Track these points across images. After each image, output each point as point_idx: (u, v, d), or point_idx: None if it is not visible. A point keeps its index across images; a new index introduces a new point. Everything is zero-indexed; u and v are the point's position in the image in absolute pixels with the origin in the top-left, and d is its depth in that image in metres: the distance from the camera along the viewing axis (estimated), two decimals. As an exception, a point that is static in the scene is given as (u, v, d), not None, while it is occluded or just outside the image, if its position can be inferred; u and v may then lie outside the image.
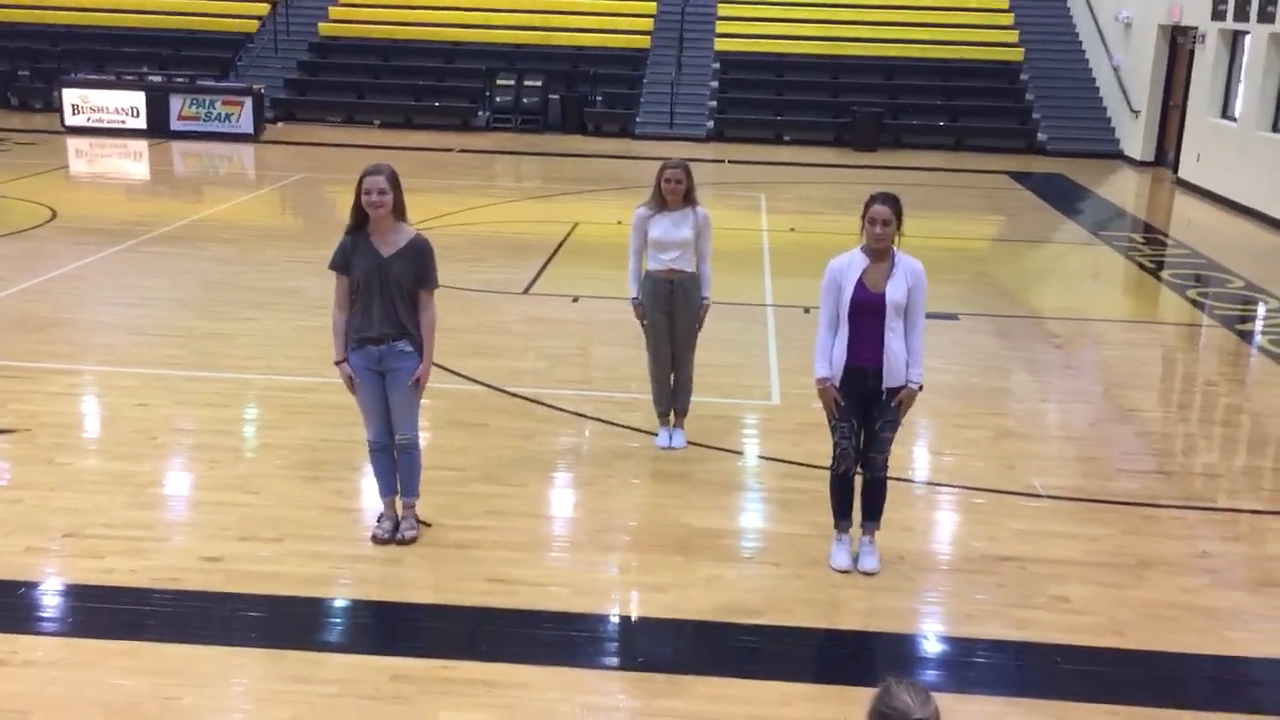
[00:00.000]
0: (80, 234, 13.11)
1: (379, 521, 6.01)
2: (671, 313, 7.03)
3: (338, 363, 5.85)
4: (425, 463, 6.10)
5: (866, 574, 5.74)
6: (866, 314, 5.50)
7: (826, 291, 5.59)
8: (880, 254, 5.52)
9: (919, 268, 5.57)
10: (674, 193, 6.84)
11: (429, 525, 6.09)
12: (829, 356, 5.60)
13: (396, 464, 5.95)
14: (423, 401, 8.09)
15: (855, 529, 5.90)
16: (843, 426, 5.69)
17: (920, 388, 5.65)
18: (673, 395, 7.27)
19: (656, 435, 7.36)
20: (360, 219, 5.68)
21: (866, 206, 5.51)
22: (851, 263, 5.56)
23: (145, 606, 5.31)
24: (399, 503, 6.02)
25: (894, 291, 5.48)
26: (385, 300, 5.67)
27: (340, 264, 5.73)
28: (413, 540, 5.93)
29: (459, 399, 8.09)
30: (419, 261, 5.72)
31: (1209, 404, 8.97)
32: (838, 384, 5.60)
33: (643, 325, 7.16)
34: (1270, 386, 9.25)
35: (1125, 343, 10.38)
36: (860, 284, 5.51)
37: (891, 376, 5.57)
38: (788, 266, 12.85)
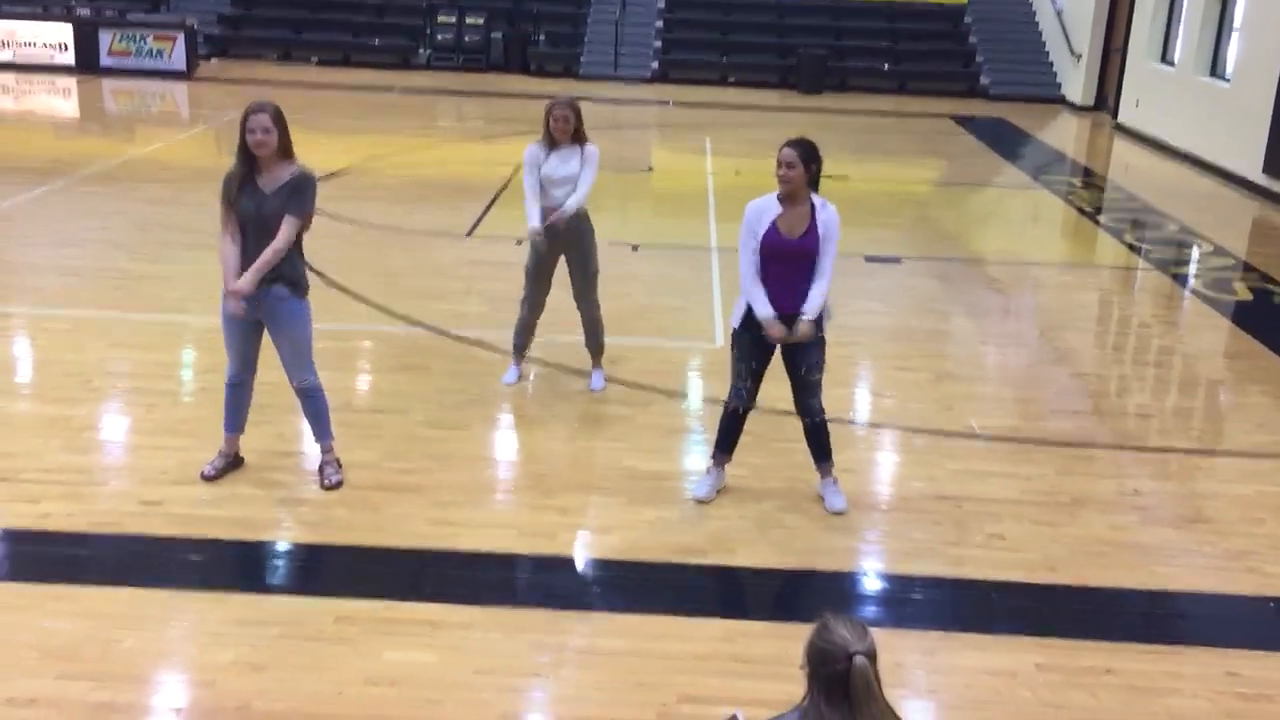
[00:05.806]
0: (8, 173, 12.74)
1: (214, 459, 5.90)
2: (565, 252, 7.08)
3: (229, 291, 5.49)
4: (367, 405, 6.05)
5: (836, 514, 5.82)
6: (780, 260, 5.51)
7: (745, 233, 5.53)
8: (790, 198, 5.50)
9: (832, 214, 5.51)
10: (562, 131, 6.86)
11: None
12: (761, 295, 5.52)
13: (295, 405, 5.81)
14: (365, 344, 8.07)
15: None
16: (740, 367, 5.75)
17: (815, 324, 5.52)
18: (585, 336, 7.32)
19: (506, 373, 7.37)
20: (247, 160, 5.49)
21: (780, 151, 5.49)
22: (766, 208, 5.55)
23: (83, 551, 5.24)
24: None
25: (813, 240, 5.50)
26: (260, 240, 5.47)
27: (225, 197, 5.54)
28: (339, 484, 5.84)
29: (402, 342, 8.03)
30: (294, 194, 5.48)
31: (1142, 346, 9.15)
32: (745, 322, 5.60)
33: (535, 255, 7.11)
34: (1202, 329, 9.45)
35: (1062, 286, 10.53)
36: (775, 229, 5.51)
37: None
38: (733, 210, 12.78)
